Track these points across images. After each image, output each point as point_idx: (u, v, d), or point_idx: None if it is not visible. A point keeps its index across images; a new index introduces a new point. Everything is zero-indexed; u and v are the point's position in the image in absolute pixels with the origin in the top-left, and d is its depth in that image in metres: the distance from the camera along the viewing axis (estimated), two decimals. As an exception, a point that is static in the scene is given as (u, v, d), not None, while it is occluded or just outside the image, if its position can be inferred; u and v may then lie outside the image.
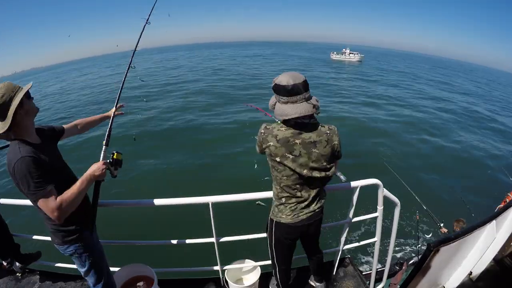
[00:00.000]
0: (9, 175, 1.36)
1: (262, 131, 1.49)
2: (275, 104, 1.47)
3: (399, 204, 2.11)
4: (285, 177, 1.53)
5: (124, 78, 1.95)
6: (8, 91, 1.34)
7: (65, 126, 1.76)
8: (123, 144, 9.03)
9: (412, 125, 13.66)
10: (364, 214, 2.24)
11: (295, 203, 1.61)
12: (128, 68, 2.00)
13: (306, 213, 1.63)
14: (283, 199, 1.62)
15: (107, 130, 1.77)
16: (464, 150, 11.14)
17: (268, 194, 1.95)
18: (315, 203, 1.65)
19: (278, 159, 1.47)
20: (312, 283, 2.36)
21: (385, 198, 2.05)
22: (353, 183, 1.94)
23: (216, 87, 20.35)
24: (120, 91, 1.94)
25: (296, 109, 1.37)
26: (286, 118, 1.40)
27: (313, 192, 1.60)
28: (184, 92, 18.98)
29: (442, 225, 4.09)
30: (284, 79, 1.39)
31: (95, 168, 1.51)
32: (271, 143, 1.45)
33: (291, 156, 1.45)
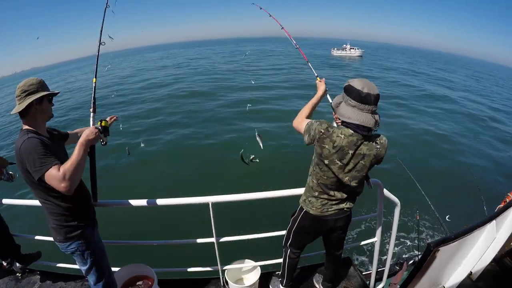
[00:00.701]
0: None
1: (322, 131, 1.47)
2: (340, 103, 1.48)
3: (399, 204, 2.12)
4: (325, 177, 1.59)
5: (98, 55, 1.99)
6: (37, 84, 1.50)
7: (68, 132, 1.84)
8: (118, 156, 8.93)
9: (417, 125, 13.59)
10: (364, 214, 2.24)
11: (326, 199, 1.67)
12: (100, 44, 2.01)
13: (335, 210, 1.70)
14: (316, 193, 1.68)
15: (92, 97, 1.81)
16: (467, 150, 11.13)
17: (268, 194, 1.96)
18: (345, 203, 1.70)
19: (326, 161, 1.51)
20: (317, 285, 2.35)
21: (385, 198, 2.05)
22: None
23: (213, 86, 20.24)
24: (97, 65, 1.98)
25: (359, 116, 1.38)
26: (348, 121, 1.41)
27: (346, 194, 1.66)
28: (182, 92, 18.91)
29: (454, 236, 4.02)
30: (360, 84, 1.39)
31: (89, 132, 1.51)
32: (327, 147, 1.47)
33: (339, 163, 1.49)
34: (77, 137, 1.84)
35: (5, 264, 2.36)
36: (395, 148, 10.25)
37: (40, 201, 1.53)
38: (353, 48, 54.87)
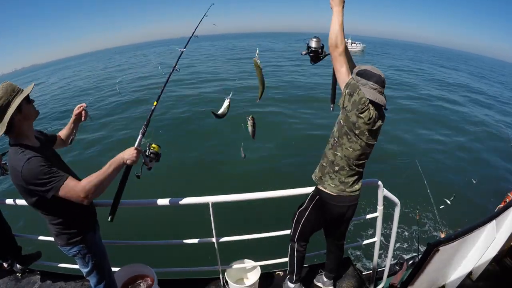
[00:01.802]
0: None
1: (366, 104, 1.51)
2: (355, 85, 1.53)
3: (399, 204, 2.12)
4: (351, 149, 1.63)
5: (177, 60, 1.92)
6: (6, 94, 1.30)
7: (58, 134, 1.76)
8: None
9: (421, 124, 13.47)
10: (364, 214, 2.24)
11: (345, 176, 1.70)
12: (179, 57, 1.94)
13: (349, 193, 1.73)
14: (337, 167, 1.70)
15: (147, 119, 1.71)
16: (469, 149, 11.10)
17: (268, 194, 1.95)
18: (357, 184, 1.75)
19: (357, 131, 1.57)
20: (319, 284, 2.35)
21: (385, 198, 2.05)
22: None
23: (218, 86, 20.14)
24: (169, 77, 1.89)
25: (381, 97, 1.52)
26: (376, 101, 1.51)
27: (360, 173, 1.74)
28: (188, 91, 18.72)
29: None
30: (375, 70, 1.55)
31: (127, 152, 1.48)
32: (363, 116, 1.53)
33: (367, 135, 1.58)
34: (62, 141, 1.76)
35: (5, 265, 2.36)
36: (402, 148, 10.22)
37: (39, 212, 1.49)
38: (354, 43, 54.16)
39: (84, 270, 1.69)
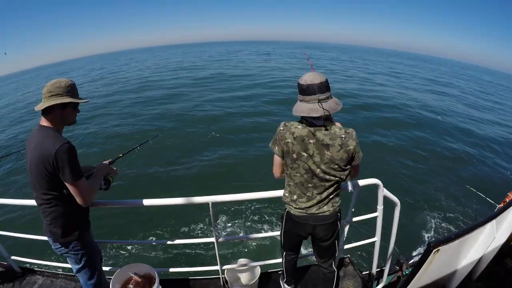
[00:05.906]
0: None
1: (281, 128, 1.52)
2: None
3: (399, 204, 2.12)
4: (298, 174, 1.57)
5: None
6: (64, 88, 1.47)
7: None
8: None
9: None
10: (364, 214, 2.24)
11: (305, 201, 1.63)
12: None
13: (313, 213, 1.64)
14: (295, 196, 1.65)
15: (118, 156, 2.06)
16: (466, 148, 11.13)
17: (268, 194, 1.95)
18: (325, 206, 1.63)
19: (294, 155, 1.52)
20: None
21: (385, 198, 2.05)
22: (353, 183, 1.93)
23: (217, 88, 20.22)
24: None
25: (305, 107, 1.42)
26: (297, 115, 1.46)
27: (324, 194, 1.60)
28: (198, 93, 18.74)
29: None
30: (303, 78, 1.44)
31: (107, 168, 1.81)
32: (289, 140, 1.49)
33: (305, 155, 1.50)
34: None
35: (5, 264, 2.36)
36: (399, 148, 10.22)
37: (41, 202, 1.52)
38: None
39: (76, 267, 1.72)
